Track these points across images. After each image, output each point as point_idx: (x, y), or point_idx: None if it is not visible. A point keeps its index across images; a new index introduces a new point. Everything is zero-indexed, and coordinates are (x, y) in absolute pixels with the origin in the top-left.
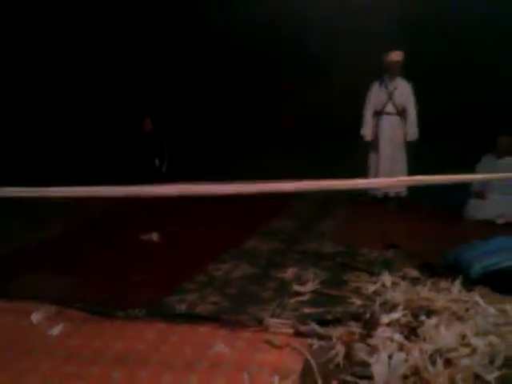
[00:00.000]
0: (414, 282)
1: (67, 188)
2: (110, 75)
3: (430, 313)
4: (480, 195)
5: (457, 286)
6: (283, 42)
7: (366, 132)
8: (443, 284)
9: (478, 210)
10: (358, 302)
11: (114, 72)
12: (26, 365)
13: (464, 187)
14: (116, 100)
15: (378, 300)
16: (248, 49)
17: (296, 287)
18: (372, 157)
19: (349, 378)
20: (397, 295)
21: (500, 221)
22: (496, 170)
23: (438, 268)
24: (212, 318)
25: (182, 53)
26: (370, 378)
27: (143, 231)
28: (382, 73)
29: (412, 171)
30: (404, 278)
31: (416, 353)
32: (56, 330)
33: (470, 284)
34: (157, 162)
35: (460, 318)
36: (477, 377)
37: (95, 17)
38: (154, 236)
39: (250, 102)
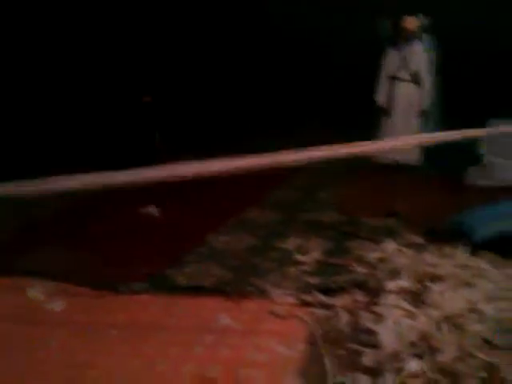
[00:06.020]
0: (419, 248)
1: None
2: (110, 55)
3: (435, 279)
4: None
5: (462, 252)
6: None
7: (380, 97)
8: (448, 250)
9: (482, 176)
10: (361, 270)
11: (114, 52)
12: (35, 341)
13: (471, 154)
14: (117, 78)
15: (382, 267)
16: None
17: (299, 257)
18: (384, 124)
19: (354, 346)
20: (401, 262)
21: (503, 183)
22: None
23: (442, 234)
24: (216, 291)
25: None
26: (375, 345)
27: (141, 205)
28: (395, 37)
29: None
30: (408, 244)
31: (423, 319)
32: (59, 306)
33: (474, 249)
34: (157, 136)
35: (466, 284)
36: (485, 342)
37: None
38: (153, 209)
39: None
